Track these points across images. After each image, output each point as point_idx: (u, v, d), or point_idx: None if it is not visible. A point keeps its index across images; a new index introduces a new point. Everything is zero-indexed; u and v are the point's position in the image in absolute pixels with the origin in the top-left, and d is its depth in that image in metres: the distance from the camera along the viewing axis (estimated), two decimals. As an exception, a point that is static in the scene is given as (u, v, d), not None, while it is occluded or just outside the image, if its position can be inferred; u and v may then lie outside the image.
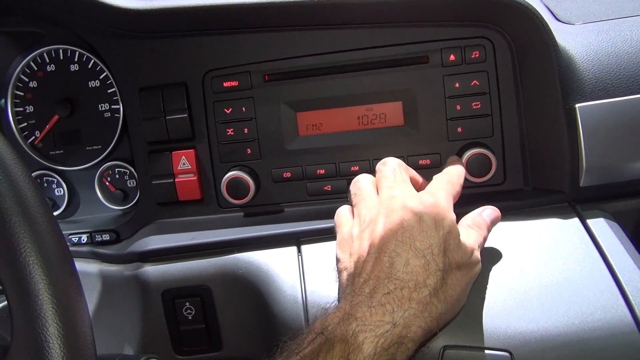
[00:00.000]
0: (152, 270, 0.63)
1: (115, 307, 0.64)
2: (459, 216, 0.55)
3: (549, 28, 0.58)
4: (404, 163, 0.57)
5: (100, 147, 0.74)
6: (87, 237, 0.70)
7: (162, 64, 0.67)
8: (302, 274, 0.59)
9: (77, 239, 0.71)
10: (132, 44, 0.67)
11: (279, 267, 0.60)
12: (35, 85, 0.74)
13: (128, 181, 0.75)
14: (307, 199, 0.68)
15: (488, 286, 0.54)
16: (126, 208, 0.76)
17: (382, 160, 0.57)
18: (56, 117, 0.74)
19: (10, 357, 0.35)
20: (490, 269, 0.55)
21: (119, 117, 0.72)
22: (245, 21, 0.65)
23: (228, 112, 0.67)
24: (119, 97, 0.72)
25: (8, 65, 0.74)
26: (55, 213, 0.76)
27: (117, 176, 0.75)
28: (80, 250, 0.70)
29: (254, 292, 0.61)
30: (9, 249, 0.35)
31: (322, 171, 0.66)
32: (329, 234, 0.61)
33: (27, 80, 0.74)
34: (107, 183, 0.75)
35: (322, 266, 0.59)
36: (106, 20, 0.65)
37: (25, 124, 0.75)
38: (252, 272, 0.61)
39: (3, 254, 0.35)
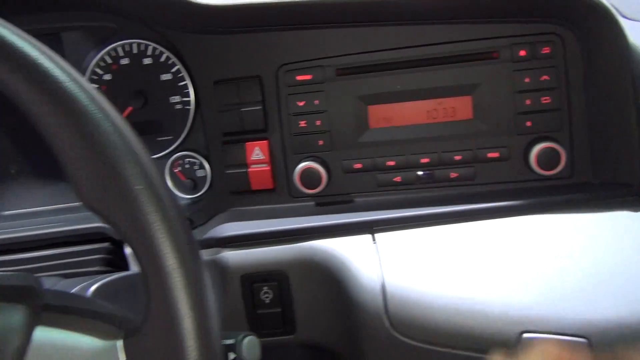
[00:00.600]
0: (231, 255, 0.65)
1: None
2: (522, 210, 0.56)
3: (621, 24, 0.59)
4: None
5: (171, 137, 0.77)
6: (162, 223, 0.73)
7: (237, 57, 0.70)
8: (379, 263, 0.61)
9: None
10: (209, 39, 0.70)
11: (354, 254, 0.63)
12: (109, 78, 0.77)
13: (197, 171, 0.78)
14: (376, 189, 0.70)
15: (563, 274, 0.56)
16: (195, 197, 0.79)
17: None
18: (130, 108, 0.76)
19: (144, 331, 0.38)
20: (564, 258, 0.57)
21: (189, 109, 0.75)
22: (319, 17, 0.67)
23: (301, 104, 0.69)
24: (190, 90, 0.74)
25: (83, 58, 0.77)
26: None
27: (187, 166, 0.78)
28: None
29: (329, 279, 0.63)
30: (147, 235, 0.37)
31: (392, 163, 0.68)
32: (401, 223, 0.64)
33: (101, 73, 0.77)
34: (177, 172, 0.78)
35: (397, 255, 0.61)
36: (185, 17, 0.68)
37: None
38: (328, 259, 0.64)
39: (142, 240, 0.37)
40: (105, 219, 0.38)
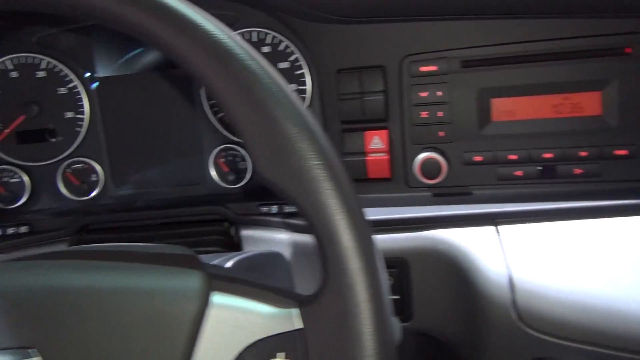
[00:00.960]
0: (353, 241, 0.66)
1: (313, 274, 0.69)
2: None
3: None
4: None
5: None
6: (277, 207, 0.75)
7: (361, 47, 0.71)
8: (504, 255, 0.61)
9: (267, 209, 0.76)
10: (333, 28, 0.71)
11: (478, 246, 0.63)
12: (228, 65, 0.79)
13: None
14: (496, 182, 0.70)
15: None
16: (305, 183, 0.80)
17: None
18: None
19: (321, 301, 0.39)
20: None
21: (305, 98, 0.77)
22: (445, 8, 0.68)
23: (423, 95, 0.70)
24: (307, 79, 0.76)
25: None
26: (240, 184, 0.82)
27: (299, 153, 0.80)
28: (271, 220, 0.75)
29: (452, 269, 0.64)
30: (325, 211, 0.39)
31: (514, 157, 0.68)
32: (526, 217, 0.63)
33: (220, 59, 0.79)
34: (290, 159, 0.80)
35: (523, 248, 0.61)
36: (312, 6, 0.69)
37: (214, 101, 0.81)
38: (450, 248, 0.64)
39: (320, 215, 0.39)
40: (281, 191, 0.40)
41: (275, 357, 0.40)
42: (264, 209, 0.76)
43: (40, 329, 0.40)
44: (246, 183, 0.82)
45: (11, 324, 0.40)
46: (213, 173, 0.83)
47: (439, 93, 0.69)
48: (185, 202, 0.80)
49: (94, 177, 0.84)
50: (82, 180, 0.84)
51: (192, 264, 0.45)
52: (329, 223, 0.39)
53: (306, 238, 0.72)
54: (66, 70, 0.81)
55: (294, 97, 0.41)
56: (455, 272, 0.63)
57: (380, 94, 0.70)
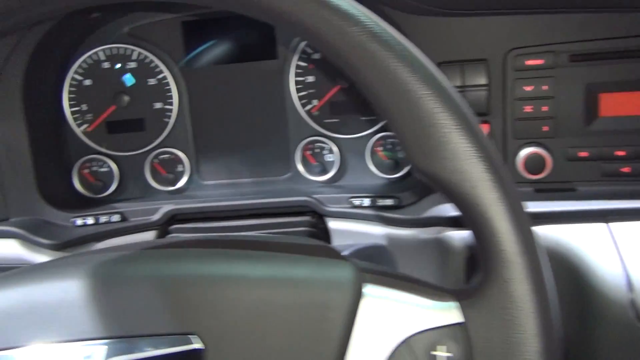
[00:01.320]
0: (457, 235, 0.66)
1: (412, 267, 0.68)
2: None
3: None
4: None
5: (374, 117, 0.78)
6: (370, 201, 0.75)
7: (463, 40, 0.70)
8: (619, 254, 0.60)
9: (359, 202, 0.75)
10: (434, 21, 0.70)
11: (590, 244, 0.62)
12: (318, 57, 0.79)
13: (400, 152, 0.79)
14: (600, 179, 0.69)
15: None
16: (393, 177, 0.80)
17: None
18: (337, 87, 0.79)
19: (483, 294, 0.39)
20: None
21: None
22: (552, 1, 0.66)
23: (528, 89, 0.69)
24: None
25: (292, 37, 0.80)
26: (326, 177, 0.82)
27: (389, 146, 0.79)
28: (363, 213, 0.74)
29: (560, 266, 0.62)
30: (486, 206, 0.38)
31: (622, 153, 0.67)
32: (637, 214, 0.62)
33: (310, 51, 0.79)
34: (380, 153, 0.79)
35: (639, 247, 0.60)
36: (415, -2, 0.69)
37: (305, 92, 0.81)
38: (559, 245, 0.63)
39: (479, 210, 0.38)
40: (438, 184, 0.39)
41: (435, 350, 0.39)
42: (356, 202, 0.75)
43: (200, 316, 0.40)
44: (333, 175, 0.82)
45: (172, 311, 0.40)
46: (299, 165, 0.83)
47: (545, 87, 0.68)
48: (270, 193, 0.80)
49: (180, 168, 0.85)
50: (168, 170, 0.85)
51: (335, 255, 0.45)
52: (493, 217, 0.39)
53: (403, 231, 0.71)
54: (156, 61, 0.82)
55: (451, 89, 0.40)
56: (564, 269, 0.62)
57: (482, 88, 0.69)
